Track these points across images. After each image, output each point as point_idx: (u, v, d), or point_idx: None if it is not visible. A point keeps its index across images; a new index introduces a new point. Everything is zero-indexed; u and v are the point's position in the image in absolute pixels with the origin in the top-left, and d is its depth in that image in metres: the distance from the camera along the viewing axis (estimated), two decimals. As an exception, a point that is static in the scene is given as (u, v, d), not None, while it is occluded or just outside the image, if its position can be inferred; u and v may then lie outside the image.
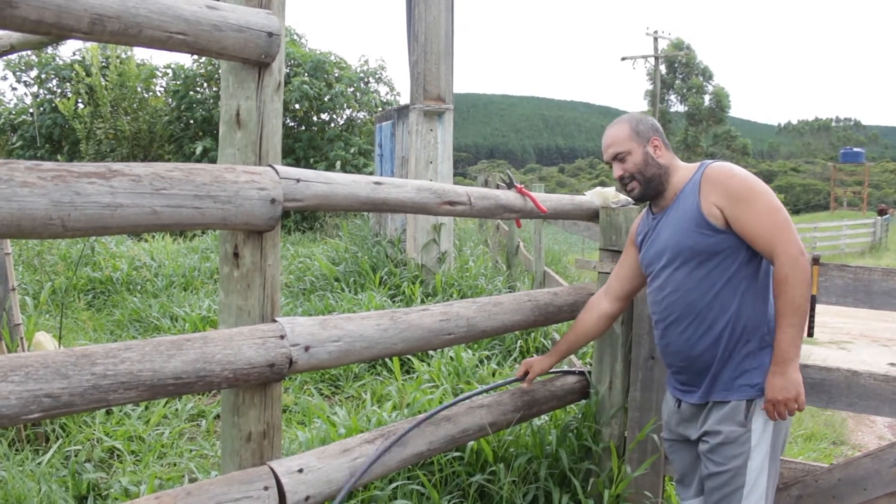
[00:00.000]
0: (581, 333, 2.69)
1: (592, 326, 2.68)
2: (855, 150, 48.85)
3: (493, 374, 4.19)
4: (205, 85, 15.93)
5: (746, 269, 2.22)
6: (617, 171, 2.41)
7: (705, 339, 2.25)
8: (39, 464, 2.96)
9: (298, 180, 1.89)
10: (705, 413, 2.29)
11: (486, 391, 2.52)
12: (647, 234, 2.45)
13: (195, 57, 15.80)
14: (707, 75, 46.83)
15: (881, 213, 31.69)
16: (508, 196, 2.73)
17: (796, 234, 2.15)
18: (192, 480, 2.94)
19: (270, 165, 1.86)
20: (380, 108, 15.19)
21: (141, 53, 16.59)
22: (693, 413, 2.35)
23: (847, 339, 8.93)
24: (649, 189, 2.36)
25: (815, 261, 2.67)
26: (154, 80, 16.27)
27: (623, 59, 38.21)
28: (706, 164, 2.30)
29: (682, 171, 2.36)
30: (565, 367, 3.29)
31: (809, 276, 2.14)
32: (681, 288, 2.28)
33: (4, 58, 15.33)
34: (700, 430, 2.30)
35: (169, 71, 16.22)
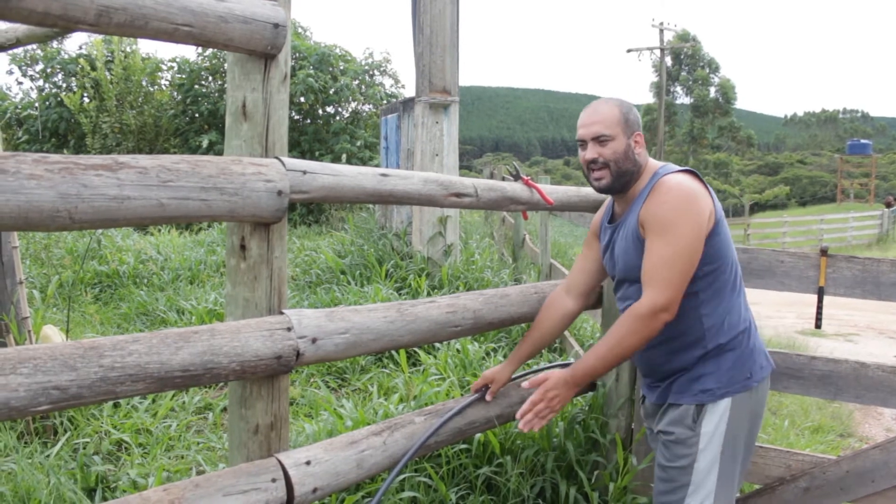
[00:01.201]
0: (546, 333, 2.55)
1: (555, 326, 2.55)
2: (862, 141, 48.68)
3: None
4: (210, 78, 15.91)
5: (702, 281, 2.17)
6: (591, 153, 2.23)
7: (662, 349, 2.25)
8: (48, 456, 2.97)
9: (305, 172, 1.89)
10: (662, 411, 2.31)
11: (448, 420, 2.34)
12: (606, 239, 2.39)
13: (200, 50, 15.81)
14: (713, 67, 46.67)
15: (888, 205, 31.55)
16: (515, 188, 2.72)
17: (675, 288, 2.07)
18: (199, 473, 2.95)
19: (277, 157, 1.86)
20: (385, 101, 15.17)
21: (146, 47, 16.59)
22: (654, 410, 2.38)
23: (854, 331, 8.91)
24: (617, 183, 2.25)
25: (824, 252, 2.66)
26: (159, 73, 16.25)
27: (629, 50, 38.06)
28: (658, 176, 2.20)
29: (646, 175, 2.26)
30: (571, 360, 3.28)
31: (646, 337, 2.10)
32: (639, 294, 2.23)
33: (10, 52, 15.34)
34: (657, 427, 2.32)
35: (174, 64, 16.21)
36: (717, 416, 2.19)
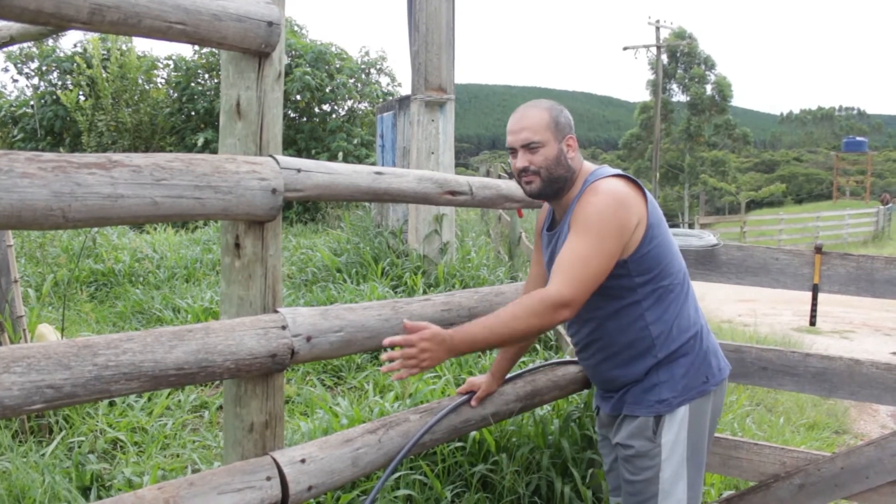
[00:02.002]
0: (522, 345, 2.52)
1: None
2: (858, 139, 48.71)
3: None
4: (206, 76, 15.91)
5: (642, 289, 2.12)
6: (521, 161, 2.13)
7: (612, 362, 2.20)
8: (43, 455, 2.97)
9: (299, 170, 1.89)
10: (618, 423, 2.27)
11: (436, 423, 2.29)
12: (547, 247, 2.31)
13: (196, 48, 15.79)
14: (709, 64, 46.66)
15: (884, 202, 31.63)
16: (510, 186, 2.72)
17: (581, 286, 1.97)
18: (195, 471, 2.95)
19: (271, 155, 1.86)
20: (381, 99, 15.18)
21: (141, 45, 16.56)
22: (609, 420, 2.34)
23: (849, 328, 8.93)
24: (549, 189, 2.16)
25: (818, 249, 2.67)
26: (155, 71, 16.25)
27: (625, 48, 38.06)
28: (588, 182, 2.13)
29: (579, 180, 2.18)
30: (567, 357, 3.29)
31: (539, 326, 1.98)
32: (580, 318, 2.20)
33: (5, 50, 15.31)
34: (615, 439, 2.27)
35: (170, 62, 16.20)
36: (676, 425, 2.15)
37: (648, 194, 2.15)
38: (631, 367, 2.18)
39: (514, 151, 2.17)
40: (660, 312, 2.14)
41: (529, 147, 2.12)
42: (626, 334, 2.14)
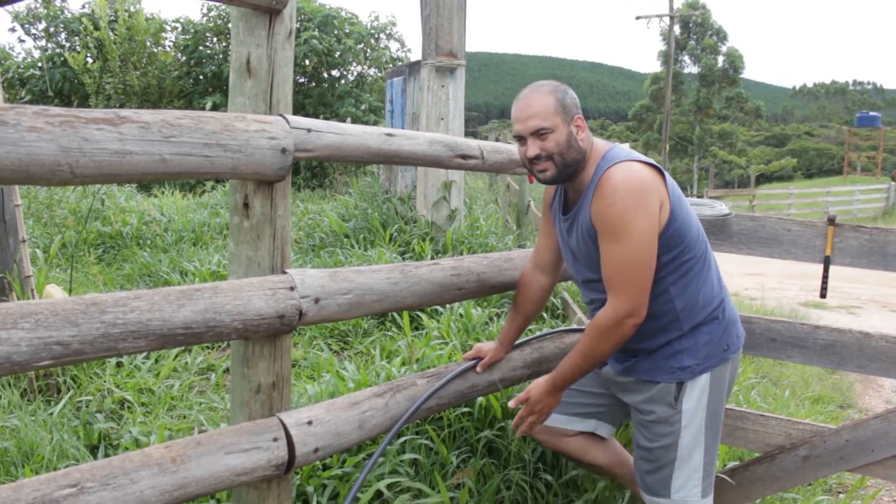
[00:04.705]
0: (530, 314, 2.52)
1: (537, 304, 2.51)
2: (871, 114, 48.26)
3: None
4: (214, 40, 15.79)
5: (666, 268, 2.10)
6: (532, 149, 2.09)
7: (635, 335, 2.15)
8: (51, 414, 2.99)
9: (309, 130, 1.86)
10: (632, 385, 2.27)
11: (441, 388, 2.31)
12: (562, 231, 2.29)
13: (204, 10, 15.66)
14: (721, 36, 46.13)
15: (895, 178, 31.39)
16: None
17: (639, 292, 2.03)
18: (201, 432, 2.96)
19: (281, 115, 1.84)
20: (390, 65, 15.06)
21: (149, 6, 16.43)
22: (614, 376, 2.35)
23: (857, 304, 8.91)
24: (563, 175, 2.12)
25: (831, 221, 2.64)
26: (163, 34, 16.12)
27: (637, 18, 37.60)
28: (602, 170, 2.07)
29: (592, 160, 2.14)
30: (574, 325, 3.28)
31: (617, 343, 2.08)
32: (602, 295, 2.17)
33: (12, 9, 15.20)
34: (630, 400, 2.30)
35: (178, 25, 16.07)
36: (697, 392, 2.15)
37: (665, 172, 2.12)
38: (656, 337, 2.18)
39: (521, 139, 2.13)
40: (684, 286, 2.13)
41: (539, 134, 2.08)
42: (652, 308, 2.12)
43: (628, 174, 2.02)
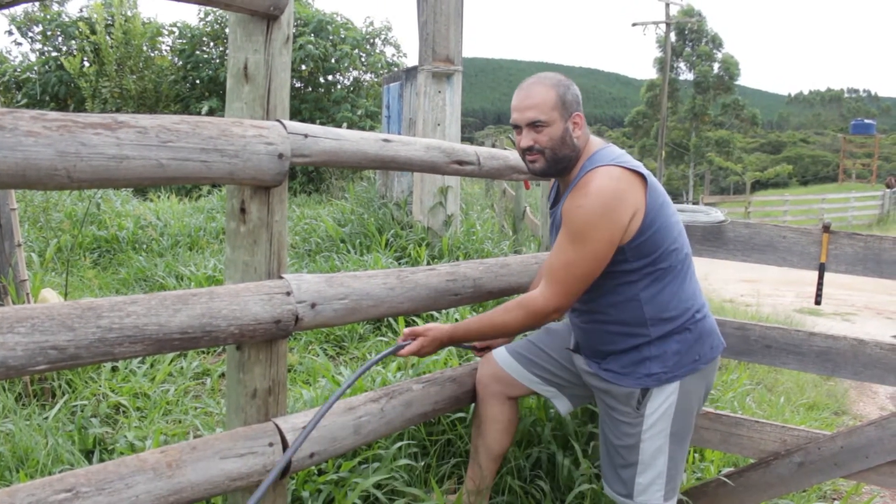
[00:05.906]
0: None
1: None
2: (866, 121, 48.42)
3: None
4: (211, 44, 15.77)
5: (638, 273, 2.10)
6: (526, 140, 2.10)
7: (603, 330, 2.19)
8: (46, 418, 2.98)
9: (306, 136, 1.87)
10: (599, 379, 2.27)
11: (370, 367, 2.10)
12: (549, 221, 2.33)
13: (201, 15, 15.66)
14: (717, 43, 46.31)
15: (889, 186, 31.48)
16: (518, 157, 2.70)
17: (573, 294, 2.07)
18: (197, 436, 2.96)
19: (278, 120, 1.84)
20: (385, 70, 15.07)
21: (146, 11, 16.42)
22: (584, 368, 2.34)
23: (851, 311, 8.93)
24: (552, 169, 2.13)
25: (826, 228, 2.65)
26: (160, 38, 16.10)
27: (633, 24, 37.71)
28: (585, 170, 2.07)
29: (582, 158, 2.14)
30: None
31: (532, 326, 2.17)
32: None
33: (8, 13, 15.20)
34: (595, 384, 2.28)
35: (175, 29, 16.06)
36: (662, 399, 2.14)
37: (650, 178, 2.10)
38: (622, 342, 2.17)
39: (518, 128, 2.14)
40: (655, 293, 2.11)
41: (534, 126, 2.08)
42: (620, 311, 2.13)
43: (606, 180, 2.01)
